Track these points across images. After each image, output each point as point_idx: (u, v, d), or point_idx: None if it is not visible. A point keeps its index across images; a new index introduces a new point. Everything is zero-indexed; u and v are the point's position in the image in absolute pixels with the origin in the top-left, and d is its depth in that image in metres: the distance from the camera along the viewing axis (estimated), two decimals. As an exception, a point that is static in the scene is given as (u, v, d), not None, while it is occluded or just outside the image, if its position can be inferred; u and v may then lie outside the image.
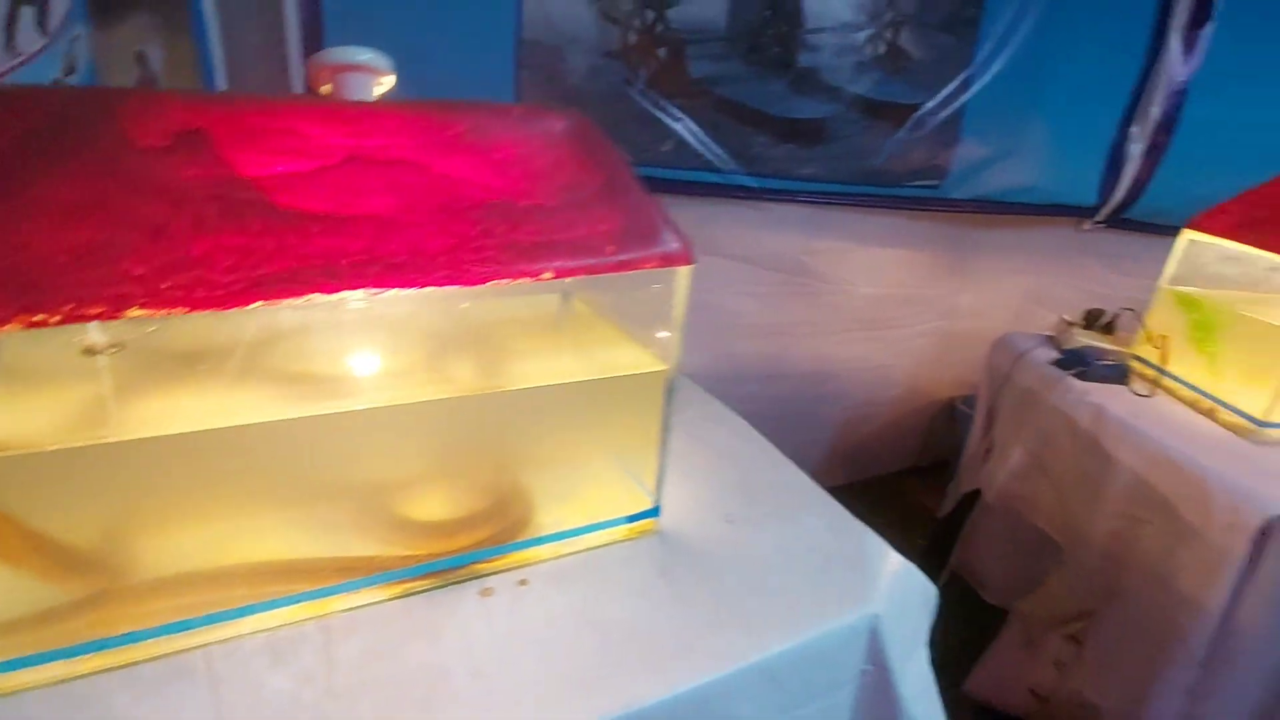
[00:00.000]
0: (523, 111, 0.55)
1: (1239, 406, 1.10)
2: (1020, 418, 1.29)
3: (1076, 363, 1.23)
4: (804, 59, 1.55)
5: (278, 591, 0.54)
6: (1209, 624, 0.91)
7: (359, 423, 0.53)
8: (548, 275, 0.49)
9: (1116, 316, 1.37)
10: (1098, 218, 1.82)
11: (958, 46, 1.59)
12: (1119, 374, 1.22)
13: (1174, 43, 1.64)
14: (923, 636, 0.70)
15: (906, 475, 2.17)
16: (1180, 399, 1.20)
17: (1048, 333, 1.40)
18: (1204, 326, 1.19)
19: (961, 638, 1.41)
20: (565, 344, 0.72)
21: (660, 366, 0.63)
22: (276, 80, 1.25)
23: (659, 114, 1.53)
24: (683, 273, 0.57)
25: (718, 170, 1.59)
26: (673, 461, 0.81)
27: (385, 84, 0.54)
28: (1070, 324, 1.38)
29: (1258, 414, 1.07)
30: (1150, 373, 1.26)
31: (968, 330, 1.98)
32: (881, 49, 1.57)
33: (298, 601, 0.54)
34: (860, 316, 1.88)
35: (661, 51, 1.49)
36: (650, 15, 1.46)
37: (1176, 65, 1.65)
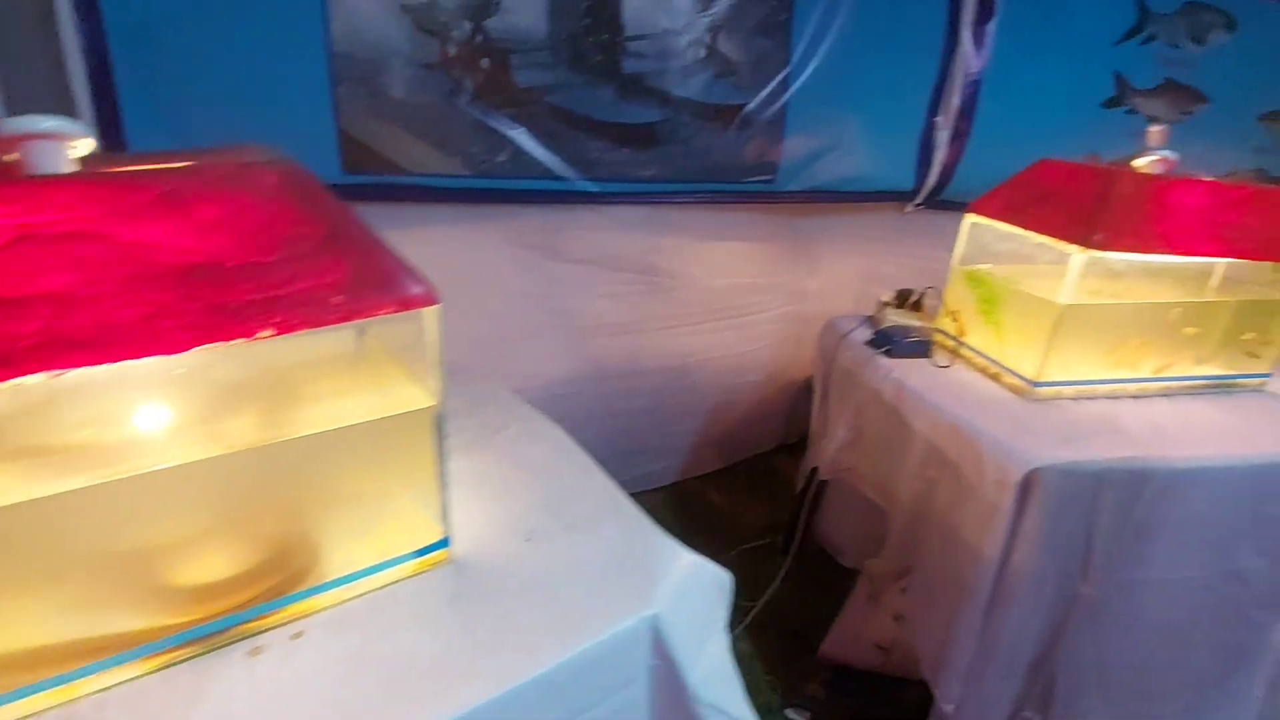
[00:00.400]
0: (230, 169, 0.54)
1: (1018, 370, 1.24)
2: (843, 395, 1.40)
3: (884, 341, 1.35)
4: (629, 65, 1.58)
5: (18, 681, 0.51)
6: (989, 570, 1.03)
7: (116, 491, 0.51)
8: (266, 334, 0.49)
9: (922, 295, 1.50)
10: (916, 201, 1.98)
11: (774, 49, 1.68)
12: (922, 349, 1.35)
13: (965, 38, 1.80)
14: (718, 625, 0.76)
15: (777, 453, 2.29)
16: (975, 367, 1.34)
17: (869, 313, 1.52)
18: (988, 300, 1.33)
19: (823, 605, 1.53)
20: (351, 385, 0.72)
21: (428, 403, 0.64)
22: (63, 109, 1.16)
23: (492, 125, 1.53)
24: (429, 313, 0.59)
25: (558, 177, 1.60)
26: (484, 483, 0.83)
27: (80, 148, 0.51)
28: (885, 304, 1.51)
29: (1031, 375, 1.21)
30: (950, 344, 1.40)
31: (816, 312, 2.10)
32: (702, 53, 1.64)
33: (40, 690, 0.52)
34: (714, 307, 1.96)
35: (485, 62, 1.48)
36: (468, 26, 1.45)
37: (969, 58, 1.82)
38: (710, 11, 1.60)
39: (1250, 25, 1.99)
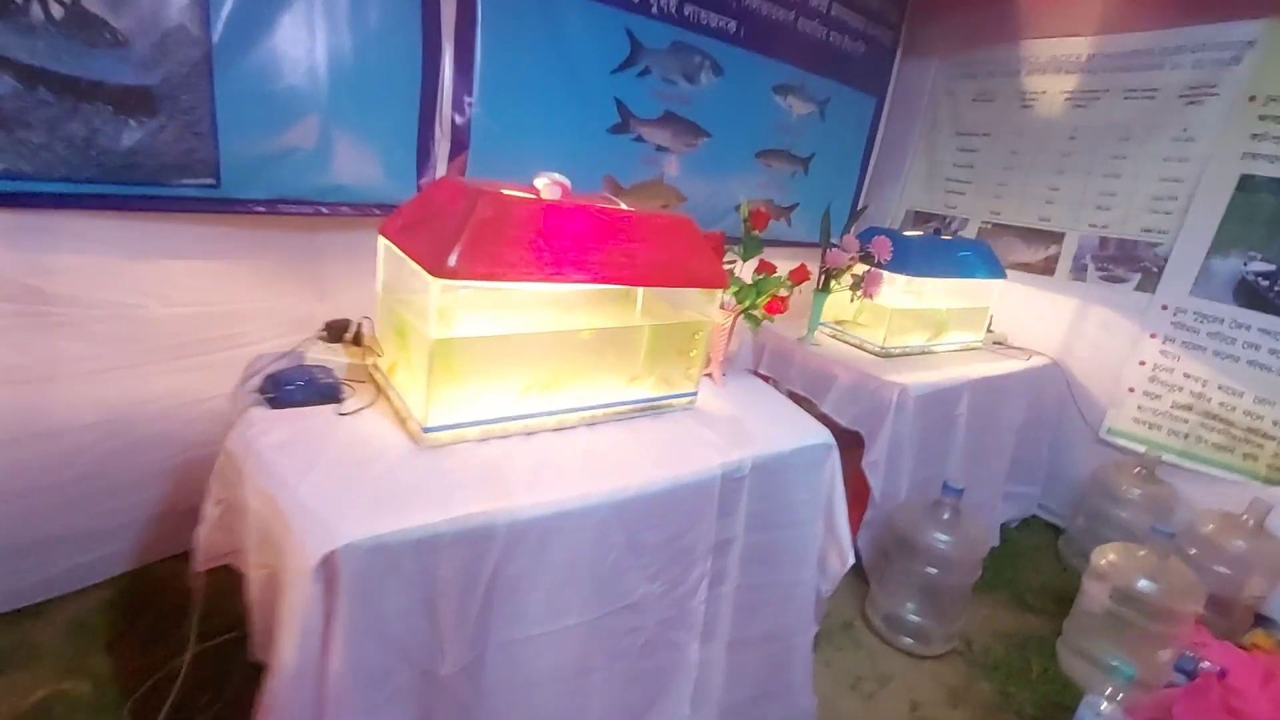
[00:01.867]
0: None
1: (415, 413, 1.07)
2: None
3: (274, 388, 1.09)
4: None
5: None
6: (306, 686, 0.82)
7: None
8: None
9: (360, 326, 1.29)
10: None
11: (181, 21, 1.34)
12: (328, 393, 1.12)
13: (447, 51, 1.68)
14: None
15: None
16: (393, 411, 1.15)
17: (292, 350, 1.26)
18: (400, 333, 1.17)
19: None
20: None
21: None
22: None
23: None
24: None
25: None
26: None
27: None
28: (319, 337, 1.27)
29: (421, 419, 1.05)
30: (381, 383, 1.21)
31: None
32: (59, 12, 1.23)
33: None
34: (166, 344, 1.55)
35: None
36: None
37: (448, 74, 1.70)
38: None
39: (735, 71, 2.24)
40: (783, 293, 1.46)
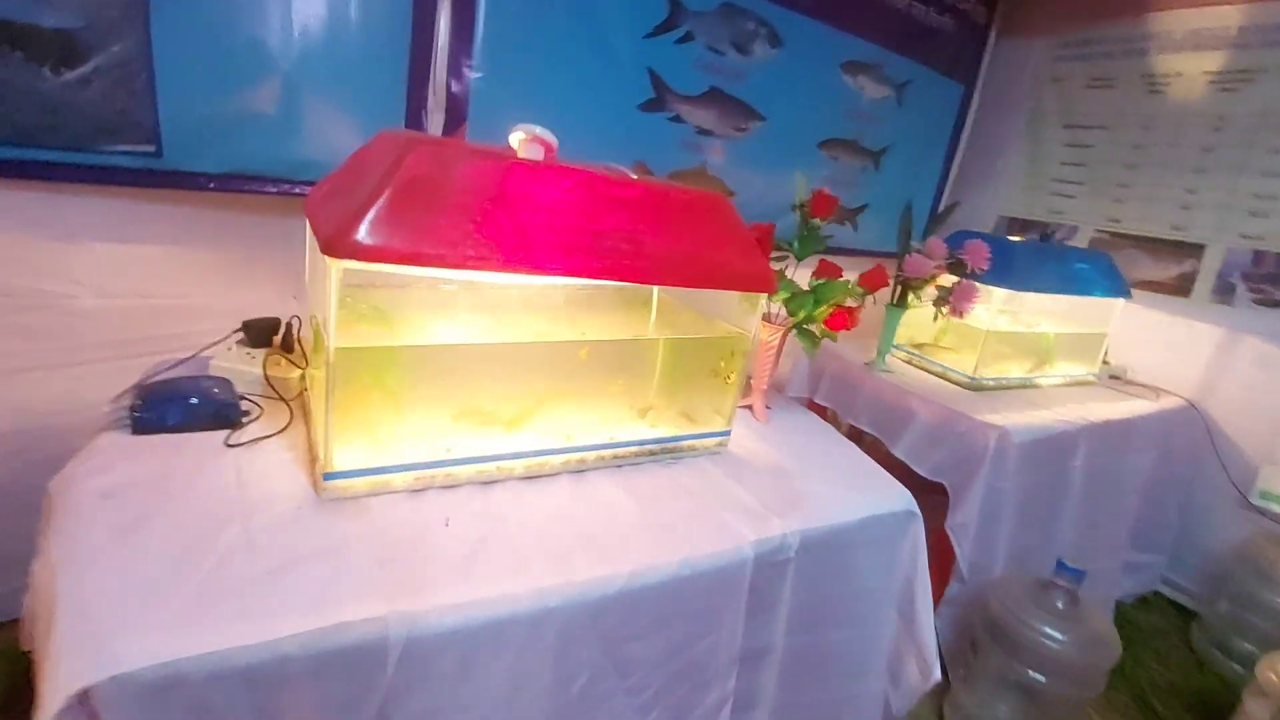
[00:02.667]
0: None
1: (321, 451, 0.77)
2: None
3: (141, 405, 0.80)
4: None
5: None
6: None
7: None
8: None
9: (293, 326, 1.00)
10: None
11: (109, -52, 1.10)
12: (212, 415, 0.83)
13: (443, 4, 1.39)
14: None
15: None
16: (312, 443, 0.85)
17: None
18: (317, 344, 0.87)
19: None
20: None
21: None
22: None
23: None
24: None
25: None
26: None
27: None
28: (238, 341, 0.98)
29: (324, 462, 0.75)
30: (309, 401, 0.91)
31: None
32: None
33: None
34: (100, 341, 1.30)
35: None
36: None
37: (446, 36, 1.41)
38: None
39: (797, 42, 1.89)
40: (850, 303, 1.09)
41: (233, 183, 1.29)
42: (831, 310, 1.06)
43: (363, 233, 0.66)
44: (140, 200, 1.29)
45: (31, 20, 1.07)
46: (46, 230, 1.22)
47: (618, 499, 0.85)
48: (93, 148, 1.17)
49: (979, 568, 1.52)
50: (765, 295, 0.97)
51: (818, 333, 1.10)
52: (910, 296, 1.68)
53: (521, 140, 0.83)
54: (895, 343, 1.79)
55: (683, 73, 1.71)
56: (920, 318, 1.81)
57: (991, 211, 2.66)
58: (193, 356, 0.95)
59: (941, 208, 2.60)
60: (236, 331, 1.00)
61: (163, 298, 1.36)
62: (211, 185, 1.29)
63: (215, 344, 0.98)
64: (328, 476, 0.74)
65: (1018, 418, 1.56)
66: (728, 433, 1.03)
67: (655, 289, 0.94)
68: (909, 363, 1.87)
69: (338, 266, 0.67)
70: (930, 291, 1.68)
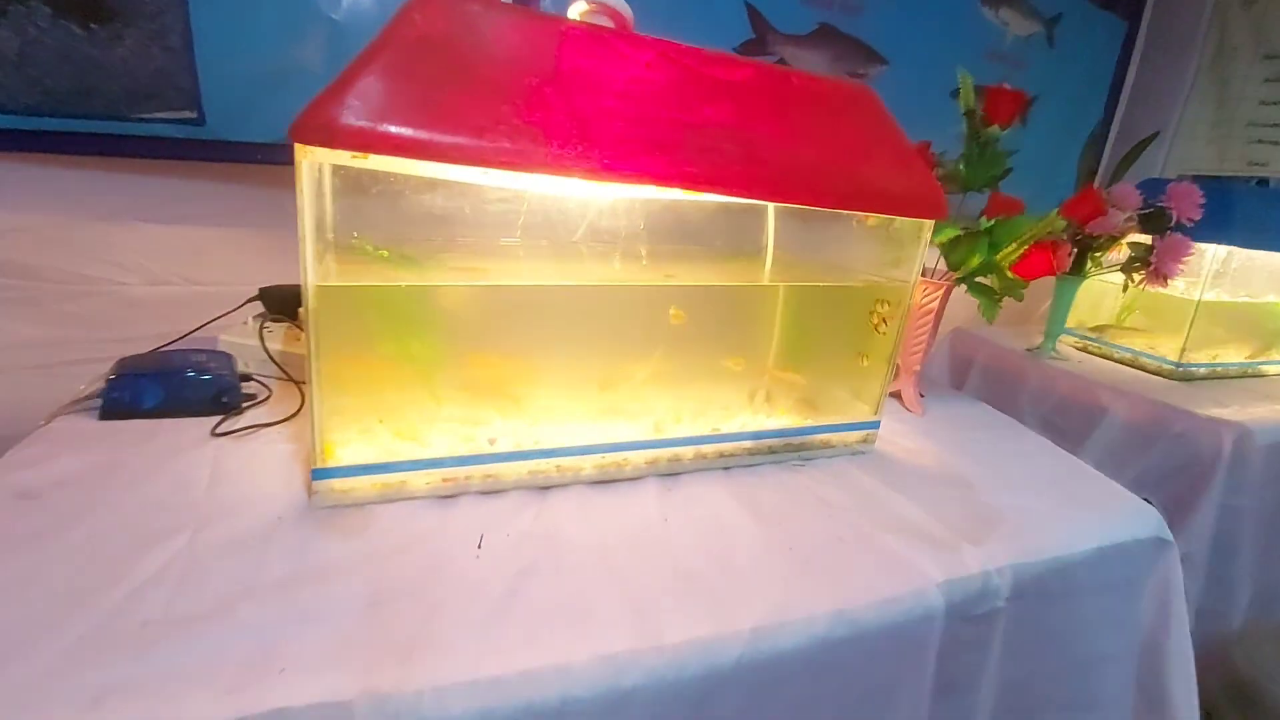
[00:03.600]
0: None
1: (317, 440, 0.56)
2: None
3: (114, 385, 0.63)
4: None
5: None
6: None
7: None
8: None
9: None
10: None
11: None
12: (200, 399, 0.64)
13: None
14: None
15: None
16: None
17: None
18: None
19: None
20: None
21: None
22: None
23: None
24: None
25: None
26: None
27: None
28: (256, 315, 0.81)
29: (319, 456, 0.54)
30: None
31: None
32: None
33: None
34: (149, 334, 1.18)
35: None
36: None
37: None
38: None
39: (925, -29, 1.58)
40: (1049, 239, 0.78)
41: (282, 154, 1.15)
42: (1023, 253, 0.75)
43: (346, 110, 0.44)
44: (184, 176, 1.17)
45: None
46: (88, 209, 1.12)
47: (728, 515, 0.59)
48: (130, 115, 1.06)
49: (1213, 613, 1.13)
50: (929, 229, 0.69)
51: (997, 287, 0.79)
52: (1089, 261, 1.31)
53: (584, 9, 0.59)
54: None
55: (786, 7, 1.44)
56: (1094, 295, 1.45)
57: (1167, 168, 2.19)
58: (199, 329, 0.79)
59: (1110, 157, 2.15)
60: (253, 300, 0.83)
61: (211, 284, 1.24)
62: (259, 157, 1.15)
63: (228, 313, 0.81)
64: (318, 475, 0.53)
65: (1254, 413, 1.16)
66: (876, 424, 0.74)
67: (770, 216, 0.68)
68: (1084, 349, 1.49)
69: (309, 159, 0.46)
70: (1117, 254, 1.31)
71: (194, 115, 1.09)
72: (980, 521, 0.62)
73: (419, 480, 0.56)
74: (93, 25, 1.00)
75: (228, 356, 0.69)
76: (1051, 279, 1.34)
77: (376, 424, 0.57)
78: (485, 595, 0.45)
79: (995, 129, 0.84)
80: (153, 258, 1.18)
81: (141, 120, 1.07)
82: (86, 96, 1.03)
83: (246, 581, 0.43)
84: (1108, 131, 1.23)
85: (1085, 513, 0.67)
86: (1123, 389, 1.24)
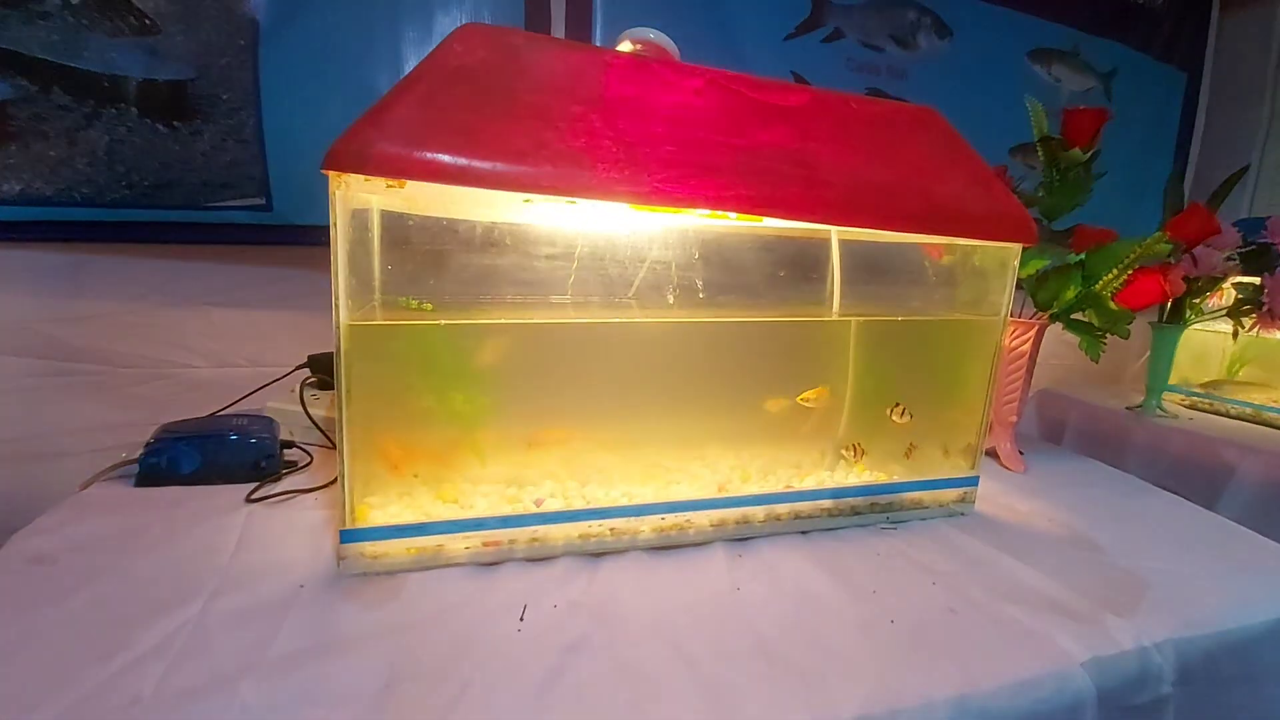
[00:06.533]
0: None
1: (352, 504, 0.51)
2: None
3: (152, 451, 0.60)
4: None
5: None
6: None
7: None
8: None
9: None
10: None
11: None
12: (237, 465, 0.61)
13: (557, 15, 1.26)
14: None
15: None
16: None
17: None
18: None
19: None
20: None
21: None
22: None
23: None
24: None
25: None
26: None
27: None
28: (305, 381, 0.79)
29: (346, 519, 0.49)
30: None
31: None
32: (79, -6, 1.01)
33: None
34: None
35: None
36: None
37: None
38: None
39: (971, 31, 1.57)
40: (1155, 264, 0.69)
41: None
42: (1126, 279, 0.67)
43: (380, 136, 0.42)
44: (252, 262, 1.21)
45: (149, 75, 1.05)
46: (162, 295, 1.17)
47: (812, 584, 0.50)
48: (205, 204, 1.12)
49: None
50: (1016, 256, 0.62)
51: (1098, 322, 0.70)
52: (1188, 309, 1.20)
53: (631, 46, 0.58)
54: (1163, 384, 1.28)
55: (833, 74, 1.44)
56: (1196, 347, 1.31)
57: (1253, 211, 2.05)
58: (246, 397, 0.77)
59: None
60: (302, 367, 0.82)
61: (274, 365, 1.24)
62: (324, 240, 1.19)
63: (276, 380, 0.79)
64: (346, 537, 0.47)
65: None
66: (975, 480, 0.65)
67: (835, 254, 0.63)
68: (1193, 406, 1.34)
69: (343, 189, 0.44)
70: (1220, 299, 1.19)
71: (262, 202, 1.14)
72: (1120, 589, 0.51)
73: (457, 544, 0.50)
74: (176, 123, 1.07)
75: (270, 421, 0.67)
76: (1148, 330, 1.22)
77: (413, 480, 0.52)
78: (524, 675, 0.38)
79: (1077, 152, 0.77)
80: (220, 341, 1.21)
81: (216, 209, 1.12)
82: (168, 189, 1.09)
83: (253, 656, 0.38)
84: (1183, 177, 1.16)
85: (1252, 578, 0.55)
86: (1251, 445, 1.09)
